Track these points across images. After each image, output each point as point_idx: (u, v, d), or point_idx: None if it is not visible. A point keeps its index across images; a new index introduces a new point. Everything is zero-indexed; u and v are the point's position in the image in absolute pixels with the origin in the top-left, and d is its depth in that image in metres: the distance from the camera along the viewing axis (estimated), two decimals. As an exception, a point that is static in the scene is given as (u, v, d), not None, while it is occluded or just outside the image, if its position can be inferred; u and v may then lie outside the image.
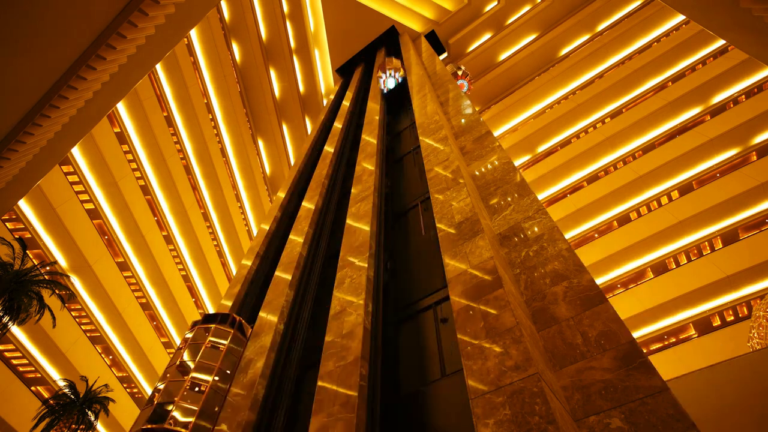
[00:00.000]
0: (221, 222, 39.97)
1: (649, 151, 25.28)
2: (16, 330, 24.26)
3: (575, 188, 27.72)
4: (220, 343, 7.38)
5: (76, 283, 27.19)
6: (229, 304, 12.13)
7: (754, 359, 7.70)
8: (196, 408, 6.10)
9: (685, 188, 23.38)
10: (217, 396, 6.68)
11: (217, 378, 6.78)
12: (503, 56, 34.57)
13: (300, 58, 34.33)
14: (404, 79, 20.39)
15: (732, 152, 22.56)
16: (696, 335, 19.99)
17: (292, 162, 39.31)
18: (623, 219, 24.91)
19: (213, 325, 7.59)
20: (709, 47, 25.73)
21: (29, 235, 25.01)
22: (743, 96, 23.85)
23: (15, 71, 10.60)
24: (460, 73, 24.71)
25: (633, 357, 4.32)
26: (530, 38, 33.57)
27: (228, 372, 7.12)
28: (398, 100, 20.21)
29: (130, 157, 29.97)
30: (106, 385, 24.61)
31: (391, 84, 20.46)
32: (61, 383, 23.65)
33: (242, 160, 40.12)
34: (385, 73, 20.57)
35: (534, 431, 3.73)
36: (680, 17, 27.31)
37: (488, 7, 33.79)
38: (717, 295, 19.73)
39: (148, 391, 33.99)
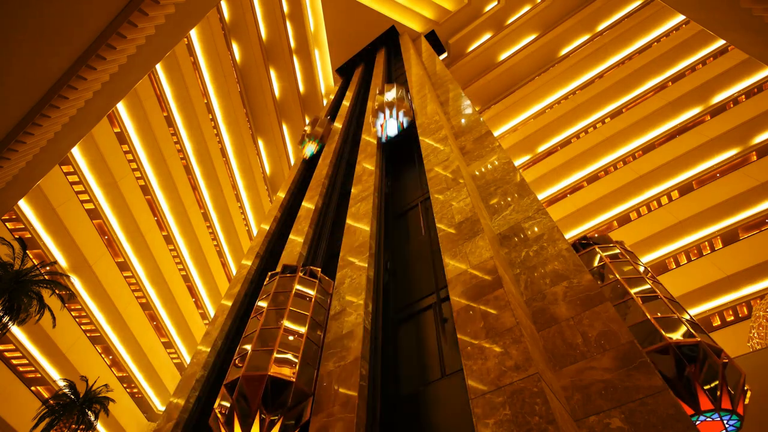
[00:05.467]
0: (221, 222, 39.96)
1: (649, 151, 25.28)
2: (16, 330, 24.25)
3: (575, 188, 27.72)
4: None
5: (76, 283, 27.17)
6: (229, 304, 12.12)
7: (754, 359, 7.70)
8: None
9: (685, 188, 23.37)
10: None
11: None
12: (503, 56, 34.58)
13: (300, 58, 34.35)
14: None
15: (732, 152, 22.55)
16: (696, 335, 19.98)
17: (292, 162, 39.32)
18: (623, 219, 24.90)
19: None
20: (709, 47, 25.72)
21: (29, 235, 24.99)
22: (743, 96, 23.84)
23: (15, 71, 10.60)
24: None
25: (633, 357, 4.31)
26: (530, 38, 33.57)
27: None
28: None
29: (130, 157, 29.97)
30: (106, 385, 24.60)
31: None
32: (61, 383, 23.65)
33: (242, 160, 40.12)
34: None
35: (534, 431, 3.73)
36: (680, 17, 27.30)
37: (488, 7, 33.81)
38: (717, 295, 19.73)
39: (149, 391, 33.96)
